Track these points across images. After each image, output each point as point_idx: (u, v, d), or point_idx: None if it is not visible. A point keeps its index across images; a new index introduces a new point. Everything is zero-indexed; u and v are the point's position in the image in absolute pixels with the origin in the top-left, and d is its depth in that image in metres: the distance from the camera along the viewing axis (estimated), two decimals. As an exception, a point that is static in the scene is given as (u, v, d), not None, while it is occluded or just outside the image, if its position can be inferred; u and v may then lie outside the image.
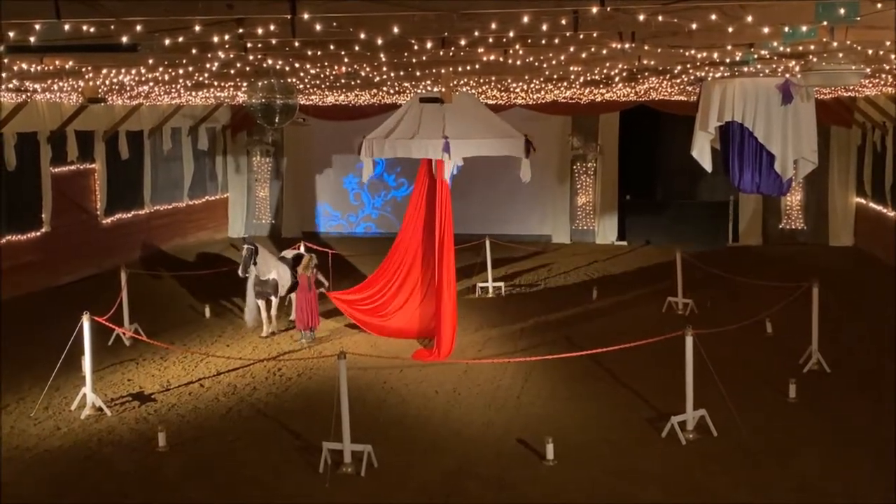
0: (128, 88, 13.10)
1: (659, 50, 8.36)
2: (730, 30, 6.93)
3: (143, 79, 11.18)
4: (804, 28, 6.76)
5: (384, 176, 23.11)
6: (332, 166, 23.53)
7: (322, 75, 11.11)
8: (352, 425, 8.62)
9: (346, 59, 9.10)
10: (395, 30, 6.72)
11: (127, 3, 6.00)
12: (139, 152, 19.76)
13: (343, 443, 8.58)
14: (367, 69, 10.34)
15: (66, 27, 6.43)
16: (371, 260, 17.29)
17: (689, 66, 10.05)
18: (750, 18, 6.40)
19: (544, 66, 9.71)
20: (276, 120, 10.81)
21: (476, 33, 7.11)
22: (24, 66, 9.12)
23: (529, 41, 7.89)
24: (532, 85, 13.49)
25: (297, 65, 9.59)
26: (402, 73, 10.88)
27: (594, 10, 6.03)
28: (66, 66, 9.30)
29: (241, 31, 6.86)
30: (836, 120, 19.71)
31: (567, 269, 18.53)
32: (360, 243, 21.55)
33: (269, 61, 9.35)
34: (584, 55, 8.70)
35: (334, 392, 9.06)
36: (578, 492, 8.05)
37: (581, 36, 7.49)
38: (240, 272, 13.18)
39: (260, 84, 10.67)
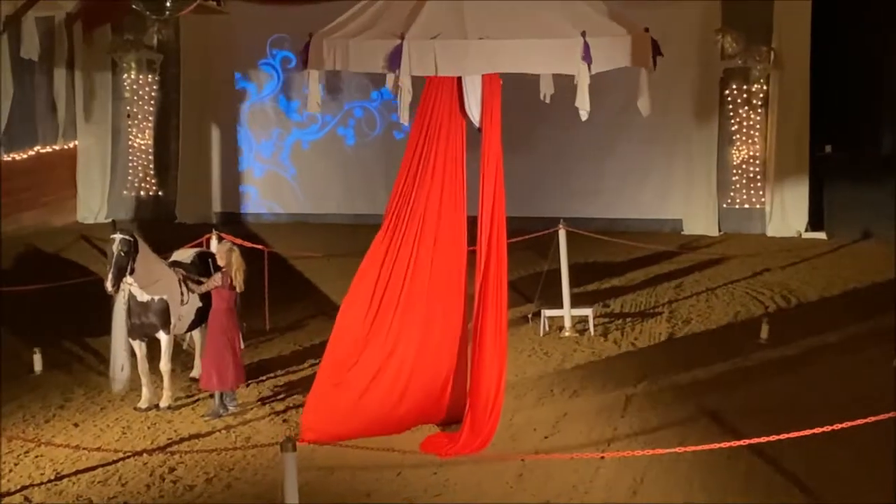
0: None
1: None
2: None
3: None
4: None
5: (280, 99, 23.18)
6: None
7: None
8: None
9: None
10: None
11: None
12: None
13: None
14: None
15: None
16: (343, 266, 17.27)
17: None
18: None
19: None
20: (168, 3, 10.80)
21: None
22: None
23: None
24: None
25: None
26: None
27: None
28: None
29: None
30: None
31: (713, 285, 18.59)
32: (327, 233, 21.61)
33: None
34: None
35: (274, 514, 8.99)
36: None
37: None
38: (108, 284, 13.11)
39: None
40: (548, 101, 12.81)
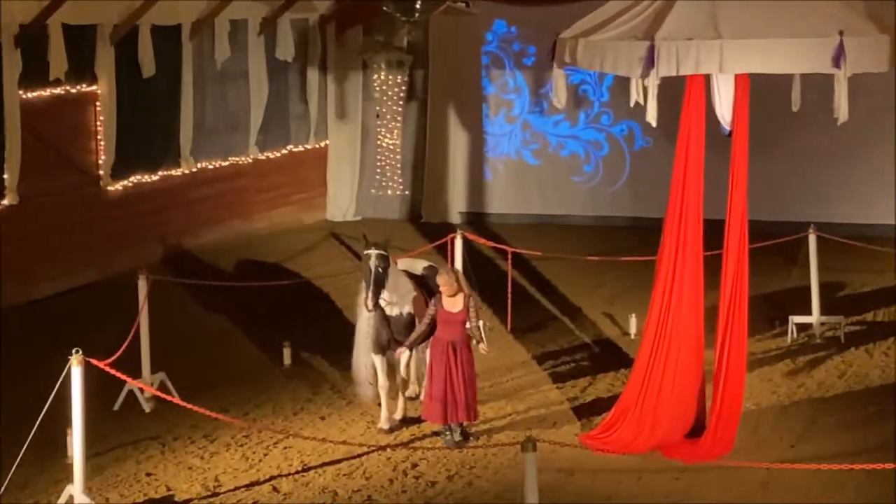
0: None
1: None
2: None
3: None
4: None
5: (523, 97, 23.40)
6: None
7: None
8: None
9: None
10: None
11: None
12: (173, 65, 20.43)
13: None
14: None
15: None
16: (584, 268, 17.22)
17: None
18: None
19: None
20: (418, 5, 10.91)
21: None
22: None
23: None
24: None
25: None
26: None
27: None
28: None
29: None
30: None
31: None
32: (570, 234, 21.56)
33: None
34: None
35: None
36: None
37: None
38: (368, 304, 12.62)
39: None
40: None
